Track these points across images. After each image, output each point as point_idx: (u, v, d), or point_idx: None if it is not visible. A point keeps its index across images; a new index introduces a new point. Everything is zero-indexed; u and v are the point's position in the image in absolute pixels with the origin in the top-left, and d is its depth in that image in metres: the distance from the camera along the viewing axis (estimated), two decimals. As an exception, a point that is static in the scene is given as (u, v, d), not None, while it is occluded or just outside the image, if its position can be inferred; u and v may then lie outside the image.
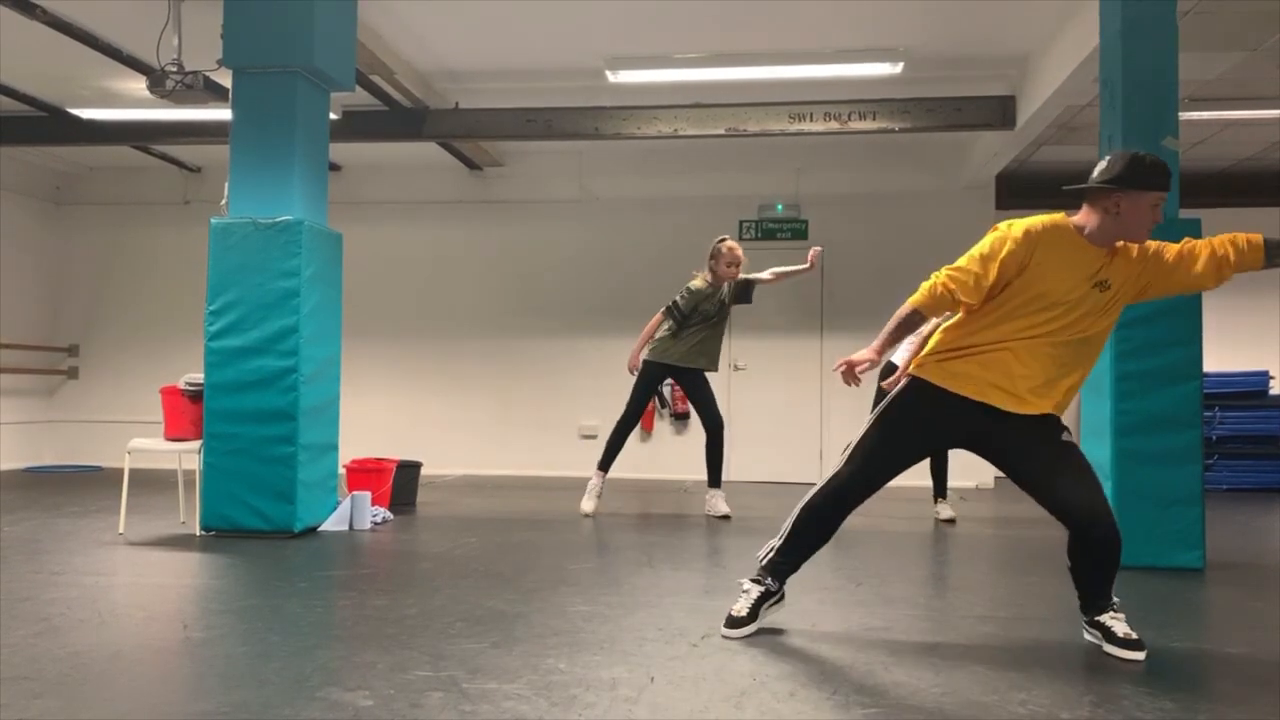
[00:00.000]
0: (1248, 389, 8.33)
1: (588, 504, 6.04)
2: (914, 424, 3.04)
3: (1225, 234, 2.97)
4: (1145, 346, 4.51)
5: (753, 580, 3.18)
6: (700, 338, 6.05)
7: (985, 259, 2.91)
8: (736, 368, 9.02)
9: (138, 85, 6.52)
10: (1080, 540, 2.93)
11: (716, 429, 6.06)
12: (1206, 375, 4.83)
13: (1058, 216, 2.98)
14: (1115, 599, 3.00)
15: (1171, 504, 4.46)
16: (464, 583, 3.93)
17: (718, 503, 6.09)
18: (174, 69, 5.55)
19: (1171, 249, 2.99)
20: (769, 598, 3.16)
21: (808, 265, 6.02)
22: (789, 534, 3.14)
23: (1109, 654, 2.91)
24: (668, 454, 8.98)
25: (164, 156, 9.08)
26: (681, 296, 6.06)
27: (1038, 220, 2.94)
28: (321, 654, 2.84)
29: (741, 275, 6.12)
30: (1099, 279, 2.90)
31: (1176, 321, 4.52)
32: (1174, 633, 3.22)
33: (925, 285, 2.99)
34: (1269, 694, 2.60)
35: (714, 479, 6.14)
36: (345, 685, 2.54)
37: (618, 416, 6.14)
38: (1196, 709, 2.46)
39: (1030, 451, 2.95)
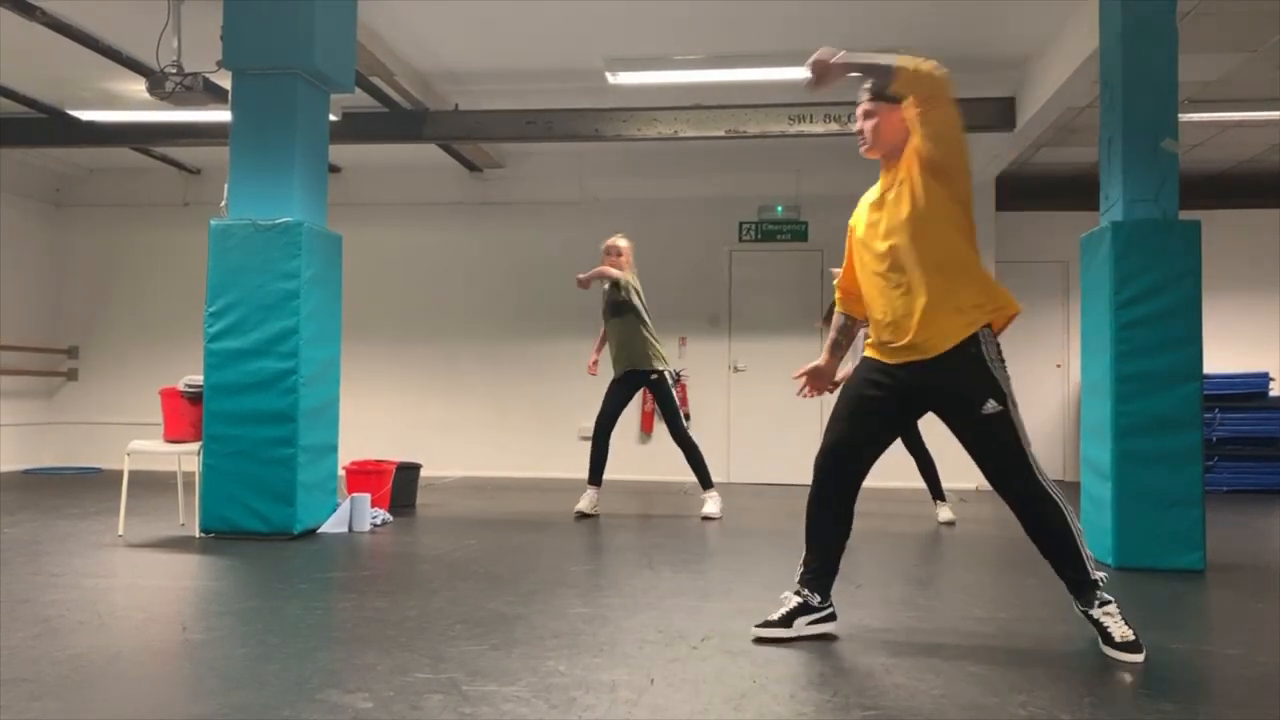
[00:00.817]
0: (1248, 390, 8.33)
1: (582, 505, 6.06)
2: (855, 395, 3.14)
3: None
4: (1145, 348, 4.51)
5: (793, 593, 3.18)
6: (613, 336, 6.13)
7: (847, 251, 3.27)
8: (736, 369, 9.02)
9: (137, 87, 6.53)
10: (1005, 502, 3.04)
11: (677, 440, 6.09)
12: (1206, 377, 4.83)
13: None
14: (1105, 595, 2.95)
15: (1172, 505, 4.46)
16: (464, 584, 3.92)
17: (709, 505, 6.11)
18: (174, 71, 5.55)
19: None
20: (807, 611, 3.13)
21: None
22: (805, 540, 3.21)
23: (1107, 655, 2.90)
24: (667, 456, 8.94)
25: (164, 158, 9.09)
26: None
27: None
28: (321, 656, 2.84)
29: (627, 277, 6.09)
30: (881, 199, 3.09)
31: (1176, 323, 4.52)
32: (1174, 634, 3.22)
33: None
34: (1269, 696, 2.60)
35: (702, 483, 6.17)
36: (345, 687, 2.54)
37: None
38: (1196, 711, 2.46)
39: (954, 417, 3.03)
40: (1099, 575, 2.96)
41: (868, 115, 3.11)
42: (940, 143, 2.92)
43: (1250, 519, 6.58)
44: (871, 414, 3.12)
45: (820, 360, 3.38)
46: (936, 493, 6.09)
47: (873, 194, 3.16)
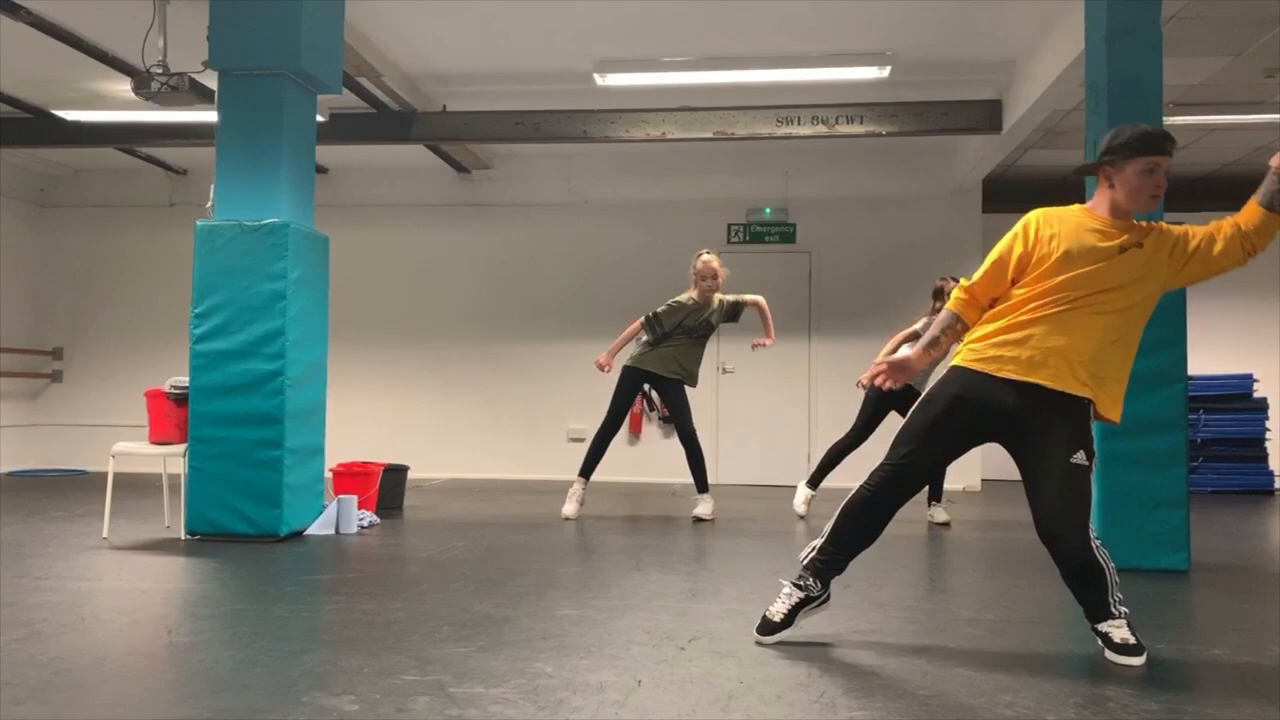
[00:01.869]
0: (1232, 392, 8.39)
1: (569, 508, 6.04)
2: (956, 402, 2.99)
3: (1236, 215, 3.09)
4: (1130, 349, 4.53)
5: (793, 583, 3.09)
6: (681, 350, 6.08)
7: (997, 262, 3.06)
8: (725, 370, 9.03)
9: (122, 87, 6.50)
10: (1049, 551, 2.95)
11: (685, 439, 6.09)
12: (1191, 378, 4.86)
13: (1065, 207, 3.10)
14: (1121, 609, 2.93)
15: (1157, 506, 4.49)
16: (451, 586, 3.92)
17: (701, 507, 6.11)
18: (159, 71, 5.52)
19: (1198, 232, 3.07)
20: (809, 602, 3.07)
21: (768, 341, 6.29)
22: (831, 532, 3.08)
23: (1109, 660, 2.89)
24: (656, 457, 8.98)
25: (149, 159, 9.04)
26: (664, 308, 6.09)
27: (1045, 208, 3.08)
28: (307, 659, 2.83)
29: (733, 297, 6.17)
30: (1124, 244, 2.96)
31: (1161, 325, 4.51)
32: (1159, 634, 3.23)
33: (956, 292, 3.12)
34: (1253, 695, 2.62)
35: (699, 485, 6.16)
36: (331, 690, 2.53)
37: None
38: (1182, 710, 2.47)
39: (1041, 454, 2.91)
40: (1120, 609, 2.93)
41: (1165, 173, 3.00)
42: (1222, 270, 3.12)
43: (1234, 520, 6.63)
44: (956, 432, 3.01)
45: (912, 353, 3.11)
46: (935, 494, 6.11)
47: (1104, 233, 2.96)
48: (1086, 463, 2.90)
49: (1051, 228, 3.00)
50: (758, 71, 6.78)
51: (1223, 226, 3.07)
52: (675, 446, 8.89)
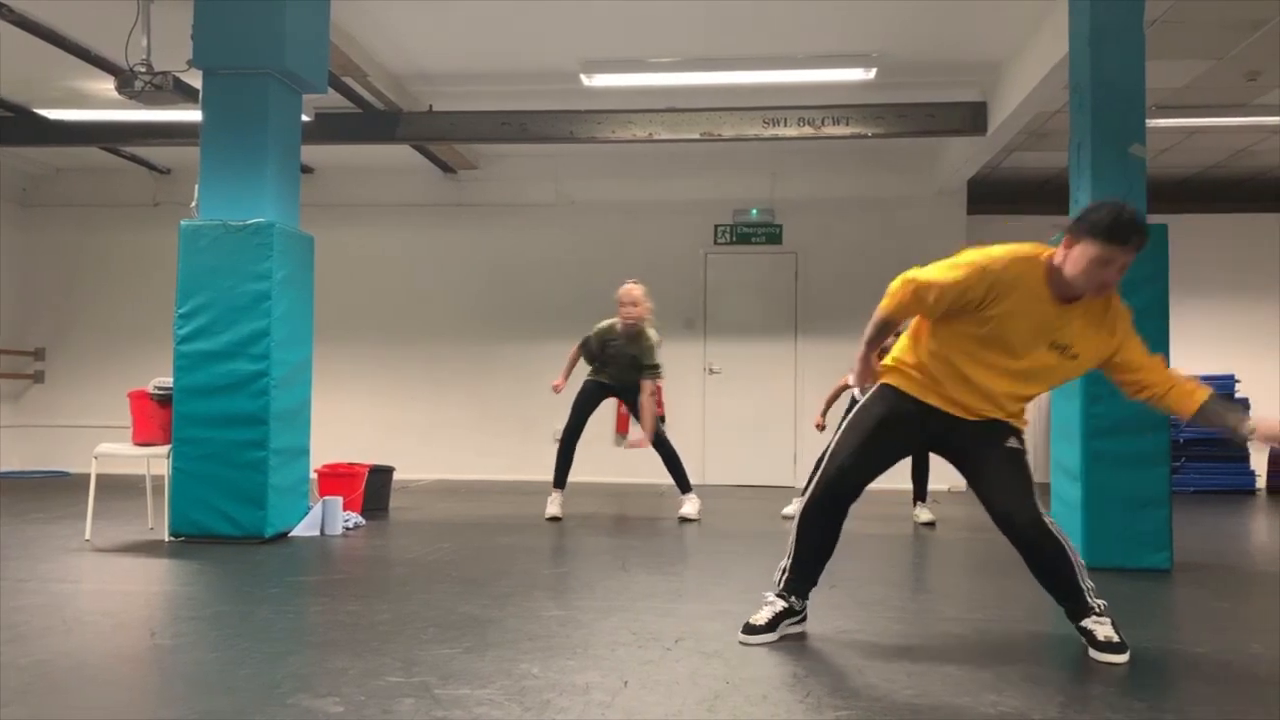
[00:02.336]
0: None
1: (552, 510, 6.07)
2: (882, 423, 3.09)
3: (1185, 376, 2.93)
4: (1114, 350, 4.56)
5: (776, 594, 3.18)
6: (625, 369, 6.06)
7: (943, 286, 2.86)
8: (711, 371, 9.04)
9: (106, 86, 6.45)
10: (1012, 543, 3.02)
11: (656, 443, 6.10)
12: (1174, 379, 4.88)
13: (1029, 252, 2.88)
14: (1098, 603, 2.98)
15: (1140, 506, 4.52)
16: (437, 588, 3.90)
17: (687, 506, 6.13)
18: (143, 69, 5.48)
19: (1139, 353, 2.94)
20: (791, 614, 3.16)
21: (641, 443, 6.11)
22: (792, 549, 3.20)
23: (1094, 658, 2.91)
24: (643, 458, 8.95)
25: (133, 158, 8.98)
26: (595, 332, 6.15)
27: (1007, 255, 2.85)
28: (292, 660, 2.81)
29: (650, 355, 5.95)
30: (1058, 341, 2.87)
31: (1145, 325, 4.53)
32: (1143, 633, 3.25)
33: (892, 288, 2.98)
34: (1235, 693, 2.64)
35: (681, 486, 6.18)
36: (316, 692, 2.52)
37: (596, 422, 6.15)
38: (1164, 708, 2.49)
39: (977, 454, 3.04)
40: (1097, 603, 2.98)
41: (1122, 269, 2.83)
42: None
43: (1216, 519, 6.68)
44: (887, 447, 3.13)
45: (870, 365, 3.12)
46: (920, 493, 6.14)
47: (1046, 318, 2.85)
48: (1021, 447, 3.01)
49: (1006, 293, 2.81)
50: (744, 73, 6.80)
51: (1156, 380, 2.91)
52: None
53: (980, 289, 2.82)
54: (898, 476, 6.02)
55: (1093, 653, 2.92)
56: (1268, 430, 2.77)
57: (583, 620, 3.36)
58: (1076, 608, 2.99)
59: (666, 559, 4.74)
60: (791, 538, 3.20)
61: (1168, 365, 3.01)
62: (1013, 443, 3.01)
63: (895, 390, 3.08)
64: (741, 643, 3.06)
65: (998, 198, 9.37)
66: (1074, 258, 2.78)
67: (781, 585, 3.19)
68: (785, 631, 3.14)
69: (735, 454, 8.87)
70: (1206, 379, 9.41)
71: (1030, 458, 3.05)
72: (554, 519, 6.01)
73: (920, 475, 6.10)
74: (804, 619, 3.22)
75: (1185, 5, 5.39)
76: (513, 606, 3.56)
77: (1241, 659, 2.98)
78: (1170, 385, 2.91)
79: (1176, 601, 3.93)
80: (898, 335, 3.22)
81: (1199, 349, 8.93)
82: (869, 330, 3.08)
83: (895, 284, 2.98)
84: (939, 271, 2.90)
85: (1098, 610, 2.96)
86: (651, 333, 6.01)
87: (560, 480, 6.16)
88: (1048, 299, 2.85)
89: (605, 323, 6.14)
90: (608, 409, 6.46)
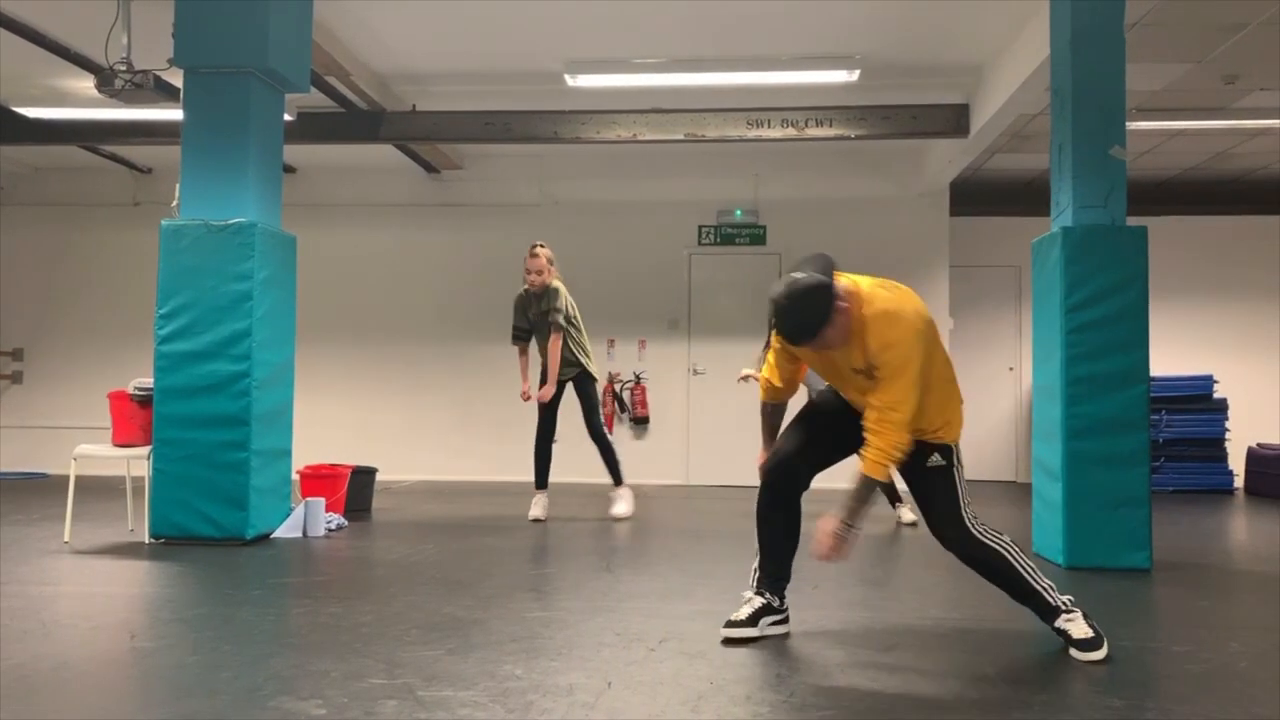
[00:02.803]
0: (1192, 393, 8.52)
1: (536, 511, 6.08)
2: (813, 406, 3.27)
3: (874, 435, 2.84)
4: (1095, 351, 4.60)
5: (754, 593, 3.23)
6: (540, 327, 6.10)
7: (771, 356, 3.22)
8: (695, 371, 9.05)
9: (86, 84, 6.40)
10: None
11: (593, 436, 6.14)
12: (1153, 379, 4.93)
13: None
14: (1064, 599, 3.02)
15: (1120, 505, 4.55)
16: (420, 589, 3.89)
17: (618, 505, 6.16)
18: (123, 68, 5.44)
19: (880, 382, 2.86)
20: (769, 612, 3.19)
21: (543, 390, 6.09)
22: (759, 546, 3.25)
23: (1074, 657, 2.93)
24: (627, 458, 8.94)
25: (113, 157, 8.91)
26: (514, 311, 6.23)
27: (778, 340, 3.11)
28: (274, 662, 2.80)
29: (557, 312, 5.99)
30: (855, 366, 2.93)
31: (1124, 327, 4.62)
32: (1122, 632, 3.28)
33: (877, 456, 2.85)
34: (1214, 691, 2.66)
35: (614, 479, 6.24)
36: (298, 694, 2.50)
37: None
38: (1144, 706, 2.51)
39: (906, 474, 3.07)
40: (1062, 600, 3.01)
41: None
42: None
43: (1195, 518, 6.74)
44: (827, 429, 3.18)
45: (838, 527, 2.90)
46: (894, 495, 6.16)
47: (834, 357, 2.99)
48: (943, 463, 3.01)
49: (795, 351, 3.08)
50: (728, 74, 6.81)
51: (869, 420, 2.86)
52: (647, 448, 8.99)
53: (787, 353, 3.14)
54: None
55: (1073, 651, 2.95)
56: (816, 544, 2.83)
57: (566, 621, 3.36)
58: (1042, 608, 3.03)
59: (650, 560, 4.74)
60: (757, 535, 3.25)
61: (897, 421, 2.81)
62: (934, 460, 3.00)
63: (827, 391, 3.25)
64: (724, 638, 3.08)
65: (980, 199, 9.42)
66: None
67: (756, 583, 3.24)
68: (768, 631, 3.16)
69: (720, 454, 8.87)
70: (1185, 379, 9.41)
71: (958, 470, 3.00)
72: (537, 520, 6.01)
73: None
74: (786, 619, 3.24)
75: (1165, 8, 5.43)
76: (496, 608, 3.55)
77: (1220, 657, 3.00)
78: (870, 433, 2.85)
79: (1156, 600, 3.97)
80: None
81: (1178, 350, 9.03)
82: (854, 500, 2.88)
83: (879, 452, 2.86)
84: (766, 369, 3.25)
85: (1065, 607, 3.01)
86: (558, 286, 6.07)
87: (541, 481, 6.16)
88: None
89: (516, 295, 6.21)
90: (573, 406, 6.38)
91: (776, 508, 3.19)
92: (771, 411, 3.31)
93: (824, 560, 2.85)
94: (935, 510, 3.05)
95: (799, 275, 2.81)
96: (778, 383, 3.22)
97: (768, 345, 3.28)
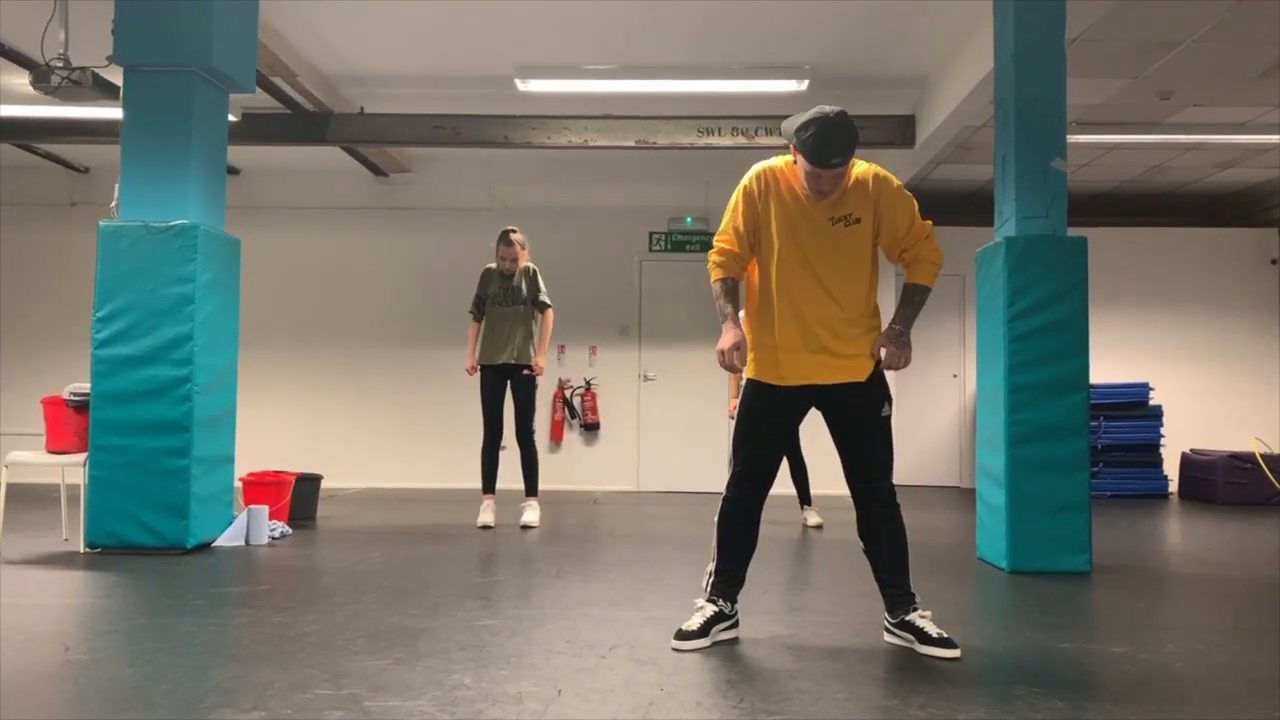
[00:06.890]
0: (1130, 400, 8.74)
1: (485, 518, 6.02)
2: (763, 416, 3.21)
3: (925, 255, 3.18)
4: (1036, 359, 4.70)
5: (707, 599, 3.22)
6: (500, 324, 6.07)
7: (736, 218, 3.20)
8: (646, 378, 9.06)
9: (21, 80, 6.22)
10: (859, 509, 3.18)
11: (520, 438, 6.09)
12: (1092, 387, 5.04)
13: (770, 163, 3.23)
14: (917, 597, 3.16)
15: (1061, 510, 4.65)
16: (366, 598, 3.84)
17: (528, 513, 6.11)
18: (60, 65, 5.30)
19: (904, 225, 3.16)
20: (722, 619, 3.19)
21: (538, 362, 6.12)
22: (716, 549, 3.25)
23: (924, 654, 3.03)
24: (578, 465, 8.96)
25: (49, 156, 8.67)
26: (480, 283, 6.25)
27: (753, 170, 3.22)
28: (215, 674, 2.74)
29: (542, 288, 6.14)
30: (836, 215, 3.10)
31: (1065, 335, 4.72)
32: (1063, 634, 3.35)
33: (931, 267, 3.19)
34: (1152, 690, 2.73)
35: (529, 488, 6.20)
36: (240, 706, 2.45)
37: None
38: (1085, 706, 2.56)
39: (853, 415, 3.16)
40: (916, 596, 3.18)
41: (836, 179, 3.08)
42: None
43: (1133, 522, 6.90)
44: (777, 433, 3.23)
45: (738, 335, 3.14)
46: (805, 498, 6.24)
47: (795, 194, 3.15)
48: (889, 414, 3.17)
49: (765, 193, 3.16)
50: (679, 81, 6.83)
51: (911, 248, 3.19)
52: (597, 454, 8.98)
53: (756, 203, 3.17)
54: (823, 483, 6.16)
55: (924, 649, 3.05)
56: (878, 349, 3.11)
57: (516, 629, 3.33)
58: (902, 594, 3.14)
59: (601, 566, 4.73)
60: (714, 541, 3.25)
61: (931, 236, 3.19)
62: (885, 410, 3.15)
63: (756, 383, 3.20)
64: (674, 649, 3.07)
65: (925, 209, 9.38)
66: (798, 168, 3.10)
67: (709, 590, 3.23)
68: (718, 637, 3.17)
69: (669, 460, 8.90)
70: (1122, 387, 9.65)
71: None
72: (486, 527, 5.96)
73: (800, 478, 6.19)
74: (736, 624, 3.25)
75: (1103, 25, 5.58)
76: (444, 616, 3.51)
77: (1158, 658, 3.08)
78: (915, 258, 3.18)
79: (1096, 602, 4.05)
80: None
81: (1116, 357, 9.26)
82: (718, 306, 3.20)
83: (710, 255, 3.24)
84: (726, 219, 3.25)
85: (918, 604, 3.14)
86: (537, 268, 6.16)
87: (489, 486, 6.11)
88: (801, 194, 3.12)
89: (485, 268, 6.21)
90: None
91: (747, 509, 3.20)
92: (733, 288, 3.21)
93: (898, 368, 3.10)
94: (877, 461, 3.14)
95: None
96: (737, 248, 3.20)
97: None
